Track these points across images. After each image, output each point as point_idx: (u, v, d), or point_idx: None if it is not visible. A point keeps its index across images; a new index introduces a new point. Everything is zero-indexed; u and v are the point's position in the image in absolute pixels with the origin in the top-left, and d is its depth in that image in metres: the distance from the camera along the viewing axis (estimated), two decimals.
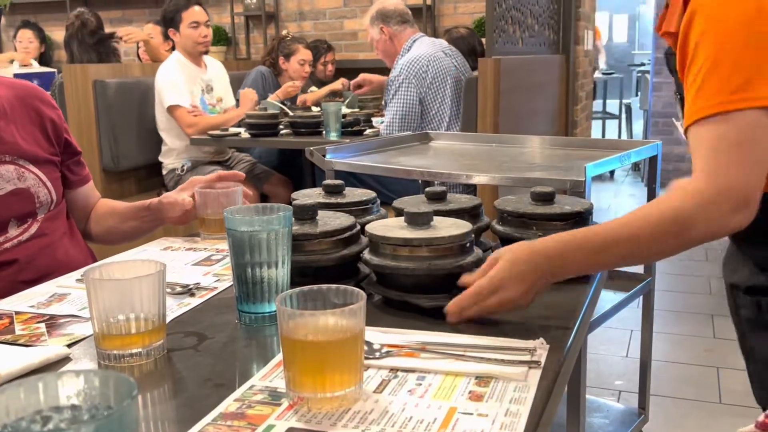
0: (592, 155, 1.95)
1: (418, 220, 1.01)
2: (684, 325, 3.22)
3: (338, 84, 4.12)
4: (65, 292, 1.11)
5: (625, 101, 7.84)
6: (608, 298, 1.92)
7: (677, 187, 0.98)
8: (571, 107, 4.69)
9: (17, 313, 1.03)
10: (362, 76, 3.83)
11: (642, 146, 1.88)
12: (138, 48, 4.68)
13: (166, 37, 3.81)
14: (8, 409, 0.45)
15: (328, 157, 1.95)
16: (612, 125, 7.90)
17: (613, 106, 7.87)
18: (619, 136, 7.68)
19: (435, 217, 1.04)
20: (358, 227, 1.09)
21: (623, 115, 7.69)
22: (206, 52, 3.52)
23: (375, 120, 3.39)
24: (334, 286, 0.78)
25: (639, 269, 2.04)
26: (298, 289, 0.77)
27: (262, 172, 3.70)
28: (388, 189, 2.87)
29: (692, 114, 0.99)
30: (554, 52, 4.41)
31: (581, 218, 1.15)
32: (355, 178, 3.31)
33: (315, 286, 0.77)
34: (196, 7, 3.43)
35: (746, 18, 0.97)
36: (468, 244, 1.00)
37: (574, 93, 4.68)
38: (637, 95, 8.10)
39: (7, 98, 1.39)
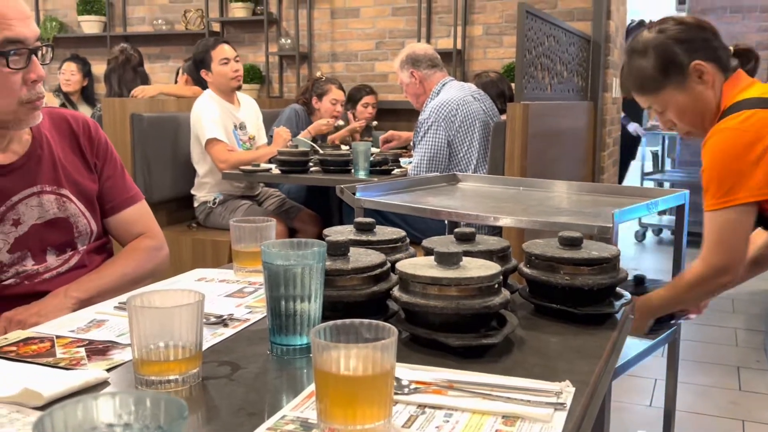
0: (618, 202, 1.96)
1: (447, 259, 1.03)
2: (709, 376, 3.18)
3: (358, 125, 4.25)
4: (104, 319, 1.15)
5: (652, 149, 7.82)
6: (633, 345, 1.91)
7: (695, 264, 1.69)
8: (599, 153, 4.71)
9: (58, 337, 1.06)
10: (390, 132, 3.95)
11: (669, 195, 1.89)
12: None
13: (197, 82, 3.90)
14: (66, 424, 0.48)
15: (357, 195, 1.98)
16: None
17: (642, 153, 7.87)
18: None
19: (464, 258, 1.07)
20: (389, 265, 1.11)
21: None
22: (239, 88, 3.60)
23: (403, 160, 3.44)
24: (366, 321, 0.80)
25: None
26: (331, 322, 0.79)
27: (291, 207, 3.75)
28: (414, 228, 2.90)
29: (704, 207, 1.66)
30: (582, 99, 4.45)
31: (608, 264, 1.16)
32: (381, 216, 3.35)
33: (348, 321, 0.80)
34: (225, 45, 3.53)
35: (730, 147, 1.64)
36: (496, 285, 1.02)
37: (602, 139, 4.71)
38: (661, 143, 8.08)
39: (48, 128, 1.44)
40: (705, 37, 1.76)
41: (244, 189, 3.65)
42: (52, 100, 4.59)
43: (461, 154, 3.16)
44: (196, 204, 3.64)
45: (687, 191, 1.91)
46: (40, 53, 1.28)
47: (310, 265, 0.97)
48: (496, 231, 2.85)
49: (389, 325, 0.78)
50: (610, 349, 1.06)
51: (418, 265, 1.05)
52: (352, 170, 3.09)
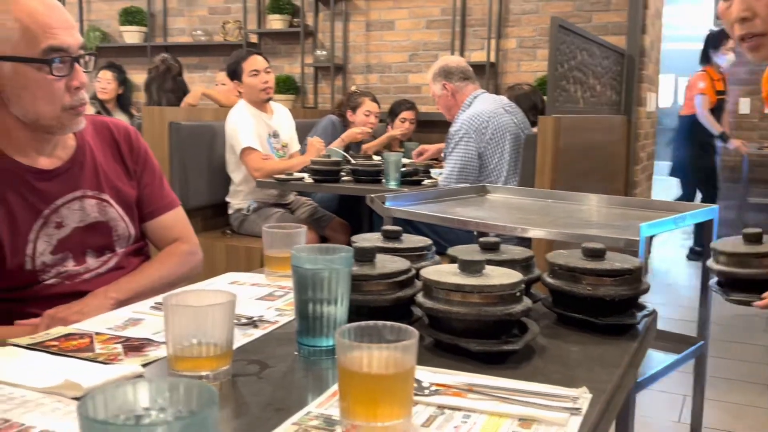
0: (647, 216, 1.97)
1: (470, 267, 1.06)
2: (740, 394, 3.14)
3: (393, 133, 4.32)
4: (140, 318, 1.20)
5: None
6: (659, 359, 1.92)
7: None
8: (632, 167, 4.69)
9: (97, 333, 1.11)
10: (421, 147, 4.01)
11: (698, 209, 1.90)
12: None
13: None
14: (107, 406, 0.52)
15: (387, 204, 2.03)
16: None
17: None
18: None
19: (488, 266, 1.10)
20: (414, 271, 1.14)
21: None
22: (269, 99, 3.66)
23: (434, 171, 3.47)
24: (389, 323, 0.83)
25: (692, 331, 2.03)
26: (356, 324, 0.83)
27: (323, 216, 3.80)
28: (443, 238, 2.92)
29: None
30: (615, 113, 4.45)
31: (631, 276, 1.18)
32: (411, 226, 3.38)
33: (371, 322, 0.83)
34: (257, 57, 3.60)
35: None
36: (518, 293, 1.05)
37: (635, 153, 4.69)
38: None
39: (90, 135, 1.51)
40: None
41: (277, 197, 3.71)
42: (87, 109, 4.70)
43: (492, 166, 3.18)
44: (230, 211, 3.71)
45: (717, 206, 1.91)
46: (82, 61, 1.34)
47: (337, 270, 1.01)
48: (525, 243, 2.86)
49: (410, 327, 0.81)
50: (630, 359, 1.08)
51: (441, 272, 1.08)
52: (383, 180, 3.13)
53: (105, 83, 5.09)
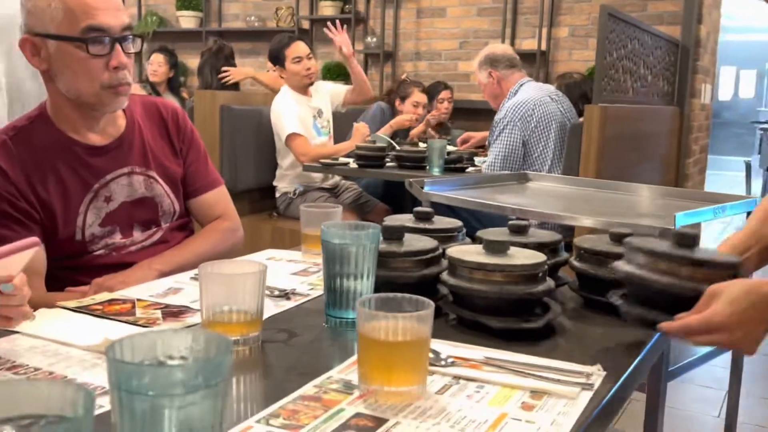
0: (689, 206, 1.96)
1: (495, 247, 1.09)
2: None
3: (431, 116, 4.36)
4: (180, 287, 1.26)
5: (745, 159, 7.58)
6: (693, 349, 1.91)
7: None
8: (683, 160, 4.62)
9: (138, 300, 1.18)
10: (466, 134, 4.04)
11: (739, 201, 1.88)
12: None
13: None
14: (133, 352, 0.57)
15: (426, 189, 2.06)
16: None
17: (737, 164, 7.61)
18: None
19: (513, 248, 1.13)
20: (441, 250, 1.18)
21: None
22: (311, 84, 3.71)
23: (478, 159, 3.49)
24: (407, 295, 0.87)
25: None
26: (376, 295, 0.87)
27: (367, 201, 3.85)
28: (485, 225, 2.93)
29: None
30: (668, 104, 4.38)
31: None
32: (455, 214, 3.41)
33: (391, 294, 0.87)
34: (300, 43, 3.65)
35: None
36: (540, 274, 1.08)
37: (687, 146, 4.61)
38: (759, 153, 7.79)
39: (140, 114, 1.57)
40: None
41: (322, 181, 3.78)
42: (138, 90, 4.81)
43: (536, 155, 3.18)
44: (277, 194, 3.79)
45: (757, 198, 1.89)
46: (126, 43, 1.40)
47: (364, 245, 1.05)
48: (569, 231, 2.86)
49: (427, 299, 0.85)
50: (653, 344, 1.10)
51: (467, 251, 1.12)
52: (427, 167, 3.16)
53: (156, 66, 5.19)
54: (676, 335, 0.94)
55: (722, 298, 0.92)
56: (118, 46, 1.37)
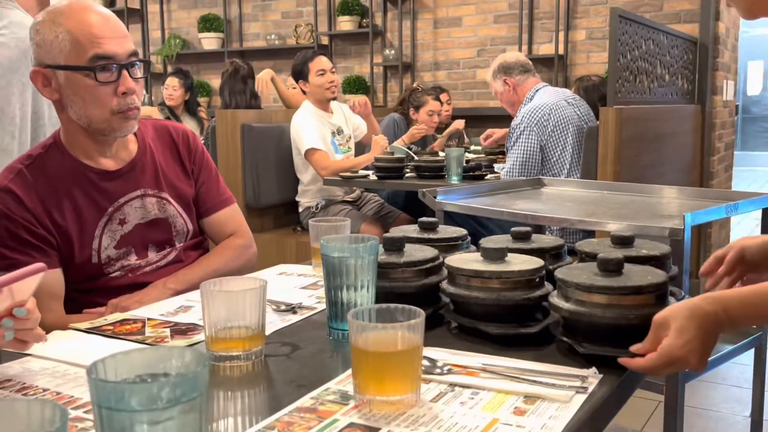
0: (705, 205, 1.94)
1: (492, 254, 1.10)
2: None
3: (456, 125, 4.35)
4: (190, 305, 1.29)
5: None
6: (716, 348, 1.89)
7: None
8: (707, 158, 4.56)
9: (149, 319, 1.21)
10: (489, 131, 4.02)
11: (752, 198, 1.86)
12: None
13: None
14: (116, 371, 0.59)
15: (438, 198, 2.07)
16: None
17: None
18: None
19: (512, 254, 1.13)
20: (441, 260, 1.19)
21: None
22: (334, 98, 3.75)
23: (497, 166, 3.49)
24: (401, 305, 0.89)
25: None
26: (369, 306, 0.89)
27: (389, 212, 3.87)
28: (507, 232, 2.93)
29: None
30: (688, 102, 4.33)
31: (657, 262, 1.19)
32: (476, 222, 3.41)
33: (384, 305, 0.89)
34: (322, 57, 3.70)
35: None
36: (538, 279, 1.09)
37: (710, 143, 4.55)
38: None
39: (152, 137, 1.61)
40: None
41: (344, 194, 3.81)
42: (156, 115, 4.86)
43: (554, 159, 3.17)
44: (300, 209, 3.83)
45: None
46: (133, 69, 1.43)
47: (362, 258, 1.07)
48: (591, 235, 2.84)
49: (418, 309, 0.86)
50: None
51: (465, 259, 1.13)
52: (446, 176, 3.17)
53: (171, 90, 5.24)
54: (638, 370, 0.94)
55: (672, 331, 0.92)
56: (125, 73, 1.41)
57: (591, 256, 1.22)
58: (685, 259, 1.58)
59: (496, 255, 1.10)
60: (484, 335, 1.07)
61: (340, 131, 3.76)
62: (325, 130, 3.66)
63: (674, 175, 3.85)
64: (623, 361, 0.95)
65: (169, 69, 6.26)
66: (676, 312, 0.93)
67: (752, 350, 2.02)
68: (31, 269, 0.96)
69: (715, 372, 2.05)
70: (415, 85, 5.00)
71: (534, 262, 1.10)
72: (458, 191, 2.20)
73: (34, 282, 0.97)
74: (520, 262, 1.10)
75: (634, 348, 0.95)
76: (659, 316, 0.95)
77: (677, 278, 1.22)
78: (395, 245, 1.18)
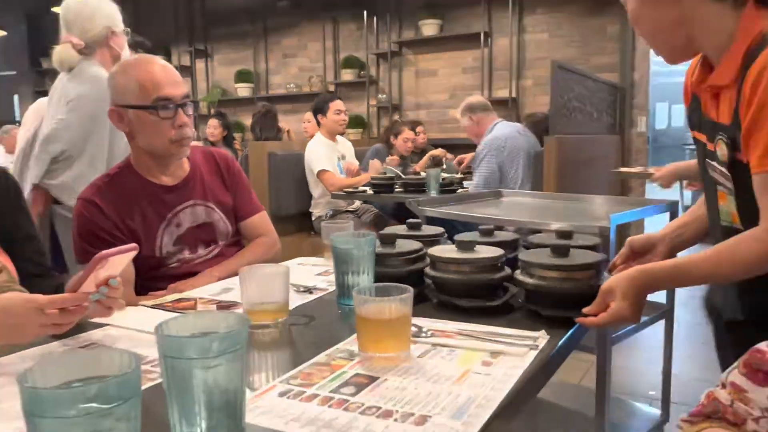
0: (623, 209, 1.95)
1: (464, 246, 1.11)
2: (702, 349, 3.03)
3: (437, 152, 4.34)
4: (231, 287, 1.29)
5: None
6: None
7: (760, 237, 0.89)
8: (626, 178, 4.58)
9: (200, 298, 1.21)
10: (459, 157, 4.05)
11: (662, 203, 1.87)
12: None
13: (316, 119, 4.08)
14: (178, 329, 0.60)
15: (420, 206, 2.07)
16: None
17: None
18: None
19: (479, 246, 1.14)
20: (425, 251, 1.19)
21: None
22: (343, 133, 3.76)
23: (467, 183, 3.49)
24: (394, 284, 0.89)
25: (661, 297, 2.00)
26: (369, 285, 0.89)
27: (382, 219, 3.87)
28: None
29: (763, 163, 0.89)
30: (611, 133, 4.36)
31: (590, 250, 1.19)
32: (450, 224, 3.41)
33: (381, 284, 0.89)
34: (339, 101, 3.71)
35: None
36: (499, 264, 1.09)
37: (628, 164, 4.58)
38: None
39: (200, 160, 1.61)
40: None
41: (347, 205, 3.81)
42: None
43: (510, 176, 3.19)
44: (313, 218, 3.82)
45: (678, 200, 1.88)
46: (186, 107, 1.43)
47: (363, 249, 1.07)
48: (537, 232, 2.85)
49: (408, 286, 0.87)
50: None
51: (444, 250, 1.13)
52: (426, 190, 3.18)
53: (212, 129, 5.22)
54: (591, 326, 0.96)
55: (618, 296, 0.93)
56: (180, 110, 1.41)
57: (542, 246, 1.23)
58: (611, 248, 1.59)
59: (468, 246, 1.11)
60: (458, 308, 1.07)
61: (343, 157, 3.77)
62: (333, 156, 3.66)
63: (602, 188, 3.86)
64: (580, 320, 0.96)
65: (212, 111, 6.26)
66: (619, 281, 0.95)
67: (663, 320, 2.03)
68: (125, 248, 0.95)
69: (634, 337, 2.05)
70: (395, 118, 5.02)
71: (496, 251, 1.11)
72: (436, 201, 2.21)
73: (126, 258, 0.96)
74: (486, 252, 1.10)
75: (586, 309, 0.97)
76: (606, 285, 0.96)
77: (605, 262, 1.22)
78: (388, 240, 1.18)
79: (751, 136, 0.89)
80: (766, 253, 0.88)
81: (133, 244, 0.96)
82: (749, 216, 0.93)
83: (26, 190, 1.95)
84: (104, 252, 0.90)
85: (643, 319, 1.85)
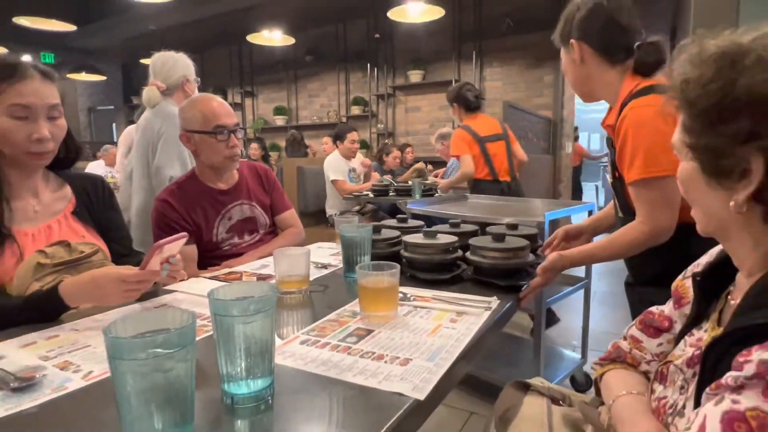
0: (554, 208, 1.94)
1: (429, 235, 1.09)
2: (620, 309, 3.03)
3: (419, 165, 4.31)
4: (267, 264, 1.27)
5: (596, 183, 7.49)
6: (560, 288, 1.89)
7: (634, 226, 0.97)
8: (557, 185, 4.57)
9: (245, 271, 1.20)
10: (435, 171, 4.01)
11: (581, 204, 1.87)
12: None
13: (334, 142, 4.05)
14: (225, 294, 0.58)
15: (408, 206, 2.06)
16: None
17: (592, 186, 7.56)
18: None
19: (441, 234, 1.12)
20: (401, 237, 1.17)
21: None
22: (355, 155, 3.74)
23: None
24: (386, 262, 0.87)
25: (581, 273, 1.99)
26: (367, 263, 0.88)
27: (381, 216, 3.84)
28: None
29: (631, 176, 0.97)
30: (546, 153, 4.34)
31: (531, 238, 1.18)
32: (430, 219, 3.39)
33: (376, 262, 0.88)
34: (355, 132, 3.69)
35: (648, 118, 0.94)
36: (452, 248, 1.07)
37: (559, 177, 4.57)
38: (601, 180, 7.72)
39: (246, 171, 1.60)
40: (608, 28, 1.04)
41: (353, 206, 3.79)
42: None
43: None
44: (328, 214, 3.79)
45: (593, 203, 1.87)
46: (237, 133, 1.42)
47: (363, 236, 1.06)
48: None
49: (396, 264, 0.85)
50: (524, 288, 1.08)
51: (415, 237, 1.11)
52: (412, 194, 3.16)
53: (253, 151, 5.17)
54: (536, 286, 1.01)
55: (552, 269, 0.99)
56: (232, 135, 1.40)
57: (492, 235, 1.21)
58: (545, 235, 1.58)
59: (431, 235, 1.09)
60: (423, 280, 1.05)
61: (353, 170, 3.74)
62: (345, 169, 3.64)
63: (540, 194, 3.85)
64: (522, 294, 0.98)
65: (255, 135, 6.23)
66: (552, 260, 1.00)
67: (583, 289, 2.02)
68: (176, 236, 0.94)
69: (563, 301, 2.05)
70: (385, 142, 5.00)
71: (452, 239, 1.09)
72: (420, 202, 2.19)
73: (180, 244, 0.95)
74: (445, 238, 1.09)
75: (533, 282, 1.00)
76: (542, 266, 1.00)
77: (531, 246, 1.20)
78: (378, 230, 1.17)
79: (620, 158, 1.00)
80: (638, 238, 0.97)
81: (184, 233, 0.95)
82: (628, 210, 1.02)
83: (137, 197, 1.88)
84: (160, 241, 0.90)
85: (569, 288, 1.85)
